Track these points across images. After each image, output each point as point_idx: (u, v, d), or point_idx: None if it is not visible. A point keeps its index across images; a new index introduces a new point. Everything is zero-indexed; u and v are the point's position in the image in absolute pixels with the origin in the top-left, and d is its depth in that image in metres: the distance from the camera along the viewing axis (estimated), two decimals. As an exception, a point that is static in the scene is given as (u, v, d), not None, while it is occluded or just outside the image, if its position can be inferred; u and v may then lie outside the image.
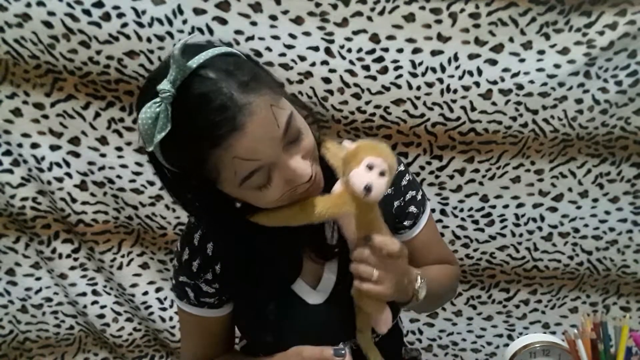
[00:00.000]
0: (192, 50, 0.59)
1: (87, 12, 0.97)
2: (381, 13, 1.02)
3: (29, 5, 0.96)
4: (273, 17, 1.01)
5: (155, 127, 0.55)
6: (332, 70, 1.04)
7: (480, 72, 1.06)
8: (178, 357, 1.25)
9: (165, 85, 0.54)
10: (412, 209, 0.81)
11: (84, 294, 1.16)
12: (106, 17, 0.97)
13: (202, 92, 0.55)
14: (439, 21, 1.03)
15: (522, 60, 1.05)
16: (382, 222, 0.69)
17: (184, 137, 0.55)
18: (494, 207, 1.17)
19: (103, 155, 1.08)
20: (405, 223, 0.82)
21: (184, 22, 1.00)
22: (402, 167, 0.81)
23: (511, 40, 1.04)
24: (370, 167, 0.62)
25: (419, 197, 0.82)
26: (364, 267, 0.66)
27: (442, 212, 1.18)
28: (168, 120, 0.54)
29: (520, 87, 1.06)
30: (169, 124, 0.54)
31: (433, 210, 1.16)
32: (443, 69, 1.05)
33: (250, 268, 0.71)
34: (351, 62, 1.04)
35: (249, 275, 0.71)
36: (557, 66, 1.05)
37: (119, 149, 1.08)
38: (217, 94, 0.55)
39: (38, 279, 1.15)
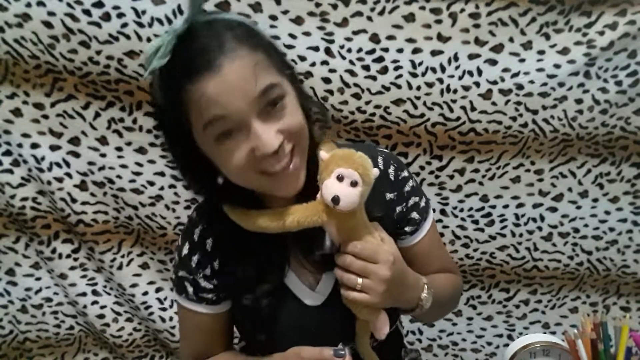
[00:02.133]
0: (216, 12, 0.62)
1: (87, 12, 0.97)
2: (381, 13, 1.02)
3: (29, 5, 0.96)
4: (273, 17, 1.01)
5: (155, 55, 0.58)
6: (332, 70, 1.04)
7: (480, 72, 1.06)
8: (178, 357, 1.25)
9: (178, 22, 0.59)
10: (415, 215, 0.81)
11: (84, 294, 1.16)
12: (106, 17, 0.97)
13: (201, 34, 0.59)
14: (439, 21, 1.03)
15: (522, 60, 1.05)
16: (368, 229, 0.69)
17: (171, 69, 0.58)
18: (494, 207, 1.17)
19: (103, 155, 1.08)
20: (407, 229, 0.81)
21: (184, 22, 1.00)
22: (405, 173, 0.80)
23: (511, 40, 1.04)
24: (340, 178, 0.63)
25: (422, 203, 0.82)
26: (348, 276, 0.66)
27: (442, 212, 1.18)
28: (169, 51, 0.58)
29: (520, 87, 1.06)
30: (169, 55, 0.58)
31: (433, 210, 1.16)
32: (443, 69, 1.05)
33: (244, 262, 0.71)
34: (351, 62, 1.04)
35: (243, 270, 0.71)
36: (557, 66, 1.05)
37: (119, 149, 1.08)
38: (211, 37, 0.59)
39: (38, 279, 1.15)
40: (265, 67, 0.60)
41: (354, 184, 0.63)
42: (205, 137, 0.61)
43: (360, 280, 0.65)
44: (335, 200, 0.63)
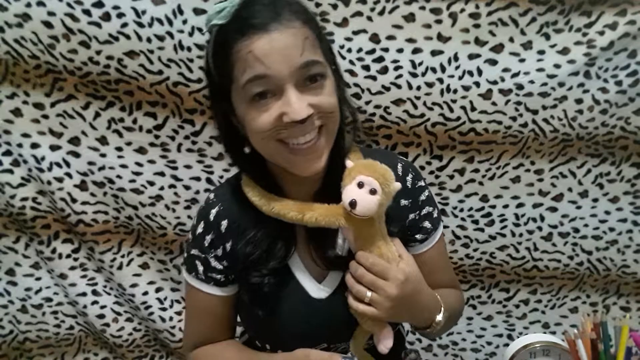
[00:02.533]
0: None
1: (87, 12, 0.97)
2: (381, 13, 1.02)
3: (29, 5, 0.96)
4: (273, 17, 1.01)
5: (217, 15, 0.64)
6: (332, 70, 1.04)
7: (480, 72, 1.06)
8: (178, 357, 1.25)
9: None
10: (427, 224, 0.83)
11: (84, 294, 1.16)
12: (106, 17, 0.97)
13: (262, 2, 0.63)
14: (439, 21, 1.03)
15: (522, 60, 1.05)
16: (386, 241, 0.71)
17: (227, 28, 0.64)
18: (494, 207, 1.17)
19: (103, 155, 1.08)
20: (417, 237, 0.83)
21: (184, 22, 1.00)
22: (422, 183, 0.83)
23: (511, 40, 1.04)
24: (360, 185, 0.66)
25: (435, 214, 0.84)
26: (358, 288, 0.68)
27: (442, 212, 1.18)
28: (230, 14, 0.63)
29: (520, 87, 1.06)
30: (230, 17, 0.63)
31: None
32: (443, 69, 1.05)
33: (255, 242, 0.73)
34: (351, 62, 1.04)
35: (253, 250, 0.73)
36: (557, 66, 1.05)
37: (119, 149, 1.08)
38: (270, 5, 0.63)
39: (38, 279, 1.15)
40: (313, 45, 0.65)
41: (373, 191, 0.66)
42: (242, 94, 0.64)
43: (369, 293, 0.67)
44: (353, 204, 0.65)
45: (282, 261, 0.74)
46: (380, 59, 1.04)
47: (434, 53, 1.04)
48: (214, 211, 0.76)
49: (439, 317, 0.74)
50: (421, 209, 0.82)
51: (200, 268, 0.77)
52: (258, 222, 0.73)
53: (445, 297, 0.77)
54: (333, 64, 0.71)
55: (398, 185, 0.69)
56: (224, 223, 0.75)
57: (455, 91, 1.06)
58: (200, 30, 1.00)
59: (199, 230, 0.77)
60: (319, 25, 0.70)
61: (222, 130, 0.74)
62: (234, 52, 0.63)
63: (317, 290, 0.75)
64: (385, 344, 0.71)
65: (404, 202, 0.80)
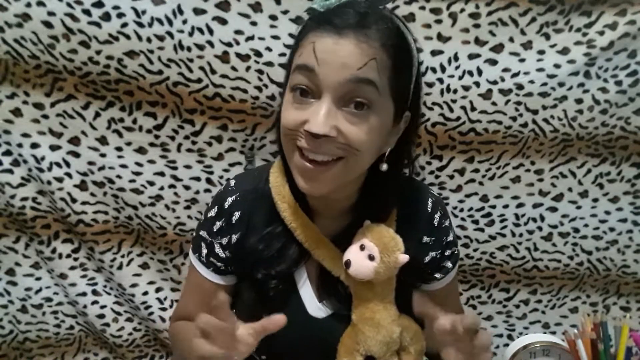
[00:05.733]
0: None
1: (87, 12, 0.97)
2: (381, 13, 1.02)
3: (29, 5, 0.96)
4: (273, 17, 1.01)
5: (320, 2, 0.64)
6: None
7: (480, 72, 1.06)
8: (178, 357, 1.25)
9: None
10: (448, 264, 0.83)
11: (84, 294, 1.16)
12: (106, 17, 0.97)
13: (359, 8, 0.62)
14: (439, 21, 1.03)
15: (522, 60, 1.05)
16: (385, 305, 0.71)
17: (315, 16, 0.65)
18: (494, 207, 1.17)
19: (103, 155, 1.08)
20: (437, 275, 0.82)
21: (184, 22, 1.00)
22: (448, 223, 0.82)
23: (511, 40, 1.04)
24: (362, 248, 0.67)
25: (456, 252, 0.84)
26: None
27: (442, 212, 1.18)
28: (327, 6, 0.63)
29: (520, 87, 1.06)
30: (324, 9, 0.63)
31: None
32: (443, 69, 1.05)
33: (268, 241, 0.72)
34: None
35: (265, 248, 0.73)
36: (557, 66, 1.05)
37: (119, 149, 1.08)
38: (362, 15, 0.61)
39: (38, 279, 1.15)
40: (381, 71, 0.60)
41: (371, 257, 0.66)
42: (291, 79, 0.64)
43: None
44: (347, 264, 0.67)
45: (292, 266, 0.73)
46: (380, 59, 1.04)
47: (434, 53, 1.04)
48: (230, 199, 0.76)
49: None
50: (444, 250, 0.81)
51: (204, 251, 0.77)
52: (273, 221, 0.72)
53: None
54: (405, 108, 0.66)
55: (403, 258, 0.67)
56: (237, 214, 0.75)
57: (455, 91, 1.06)
58: (200, 30, 1.00)
59: (211, 214, 0.77)
60: (408, 60, 0.65)
61: (278, 114, 0.72)
62: (304, 38, 0.63)
63: (316, 308, 0.74)
64: None
65: (426, 239, 0.79)
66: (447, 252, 0.82)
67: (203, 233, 0.78)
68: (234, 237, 0.75)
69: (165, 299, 1.20)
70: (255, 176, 0.78)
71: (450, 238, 0.82)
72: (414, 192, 0.76)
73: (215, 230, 0.76)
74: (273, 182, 0.73)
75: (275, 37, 1.01)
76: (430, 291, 0.83)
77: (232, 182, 0.79)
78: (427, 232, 0.79)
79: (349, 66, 0.58)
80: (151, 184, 1.11)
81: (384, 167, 0.68)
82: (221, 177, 1.12)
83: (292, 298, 0.74)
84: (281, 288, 0.73)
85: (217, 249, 0.76)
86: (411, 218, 0.76)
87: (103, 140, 1.08)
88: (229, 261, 0.77)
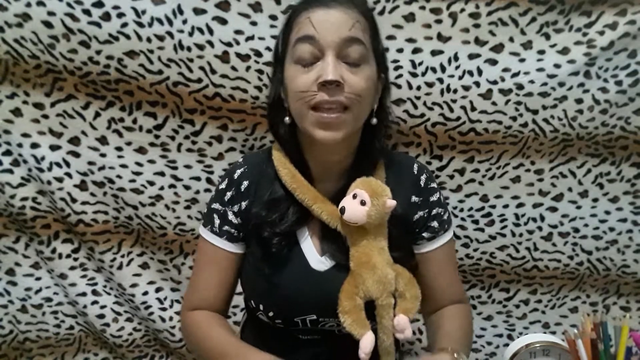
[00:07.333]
0: None
1: (87, 12, 0.97)
2: (381, 13, 1.02)
3: (29, 5, 0.96)
4: (273, 17, 1.01)
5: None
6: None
7: (480, 72, 1.06)
8: (178, 357, 1.25)
9: None
10: (435, 224, 0.87)
11: (84, 294, 1.16)
12: (106, 17, 0.97)
13: None
14: (439, 21, 1.03)
15: (522, 60, 1.05)
16: (380, 251, 0.77)
17: (299, 4, 0.77)
18: (494, 207, 1.17)
19: (103, 155, 1.08)
20: (424, 235, 0.87)
21: (184, 22, 1.00)
22: (434, 185, 0.89)
23: (511, 40, 1.04)
24: (354, 196, 0.75)
25: (445, 217, 0.88)
26: None
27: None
28: None
29: (520, 87, 1.06)
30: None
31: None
32: (443, 69, 1.05)
33: (271, 206, 0.81)
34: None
35: (268, 212, 0.80)
36: (557, 66, 1.05)
37: (119, 149, 1.08)
38: None
39: (38, 279, 1.15)
40: (363, 30, 0.75)
41: (363, 202, 0.73)
42: (291, 54, 0.75)
43: None
44: (342, 210, 0.75)
45: (294, 225, 0.80)
46: (380, 59, 1.04)
47: (434, 53, 1.04)
48: (239, 171, 0.85)
49: None
50: (431, 209, 0.87)
51: (217, 222, 0.84)
52: (276, 189, 0.81)
53: (456, 342, 0.78)
54: (380, 63, 0.80)
55: (391, 203, 0.75)
56: (245, 183, 0.84)
57: (455, 91, 1.06)
58: (200, 30, 1.00)
59: (222, 186, 0.85)
60: (374, 23, 0.79)
61: (271, 98, 0.82)
62: (296, 20, 0.75)
63: (317, 262, 0.80)
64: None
65: (414, 198, 0.86)
66: (433, 212, 0.86)
67: (216, 205, 0.85)
68: (244, 204, 0.83)
69: (165, 299, 1.20)
70: (260, 155, 0.88)
71: (435, 198, 0.87)
72: (401, 158, 0.89)
73: (227, 199, 0.84)
74: (275, 155, 0.83)
75: (275, 37, 1.01)
76: (422, 256, 0.86)
77: (241, 159, 0.88)
78: (415, 192, 0.86)
79: (341, 28, 0.72)
80: (151, 183, 1.11)
81: (374, 120, 0.80)
82: (221, 177, 1.12)
83: (295, 253, 0.80)
84: (284, 244, 0.79)
85: (230, 216, 0.84)
86: (399, 180, 0.85)
87: (103, 140, 1.08)
88: (239, 227, 0.84)
